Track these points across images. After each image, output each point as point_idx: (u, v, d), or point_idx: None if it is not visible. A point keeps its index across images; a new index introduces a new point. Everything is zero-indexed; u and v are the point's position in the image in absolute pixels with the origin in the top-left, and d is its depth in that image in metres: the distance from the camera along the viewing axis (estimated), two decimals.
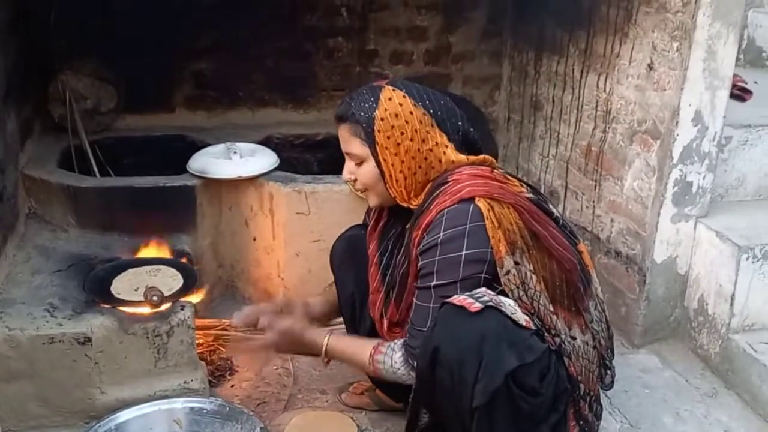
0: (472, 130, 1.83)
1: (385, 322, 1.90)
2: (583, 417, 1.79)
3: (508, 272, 1.66)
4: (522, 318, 1.64)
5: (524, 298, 1.68)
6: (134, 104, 3.20)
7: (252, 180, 2.68)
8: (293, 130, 3.31)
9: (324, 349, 1.90)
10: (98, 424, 2.01)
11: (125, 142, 3.09)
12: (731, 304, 2.39)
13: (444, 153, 1.76)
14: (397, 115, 1.73)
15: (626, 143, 2.61)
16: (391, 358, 1.78)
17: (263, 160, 2.76)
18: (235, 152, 2.74)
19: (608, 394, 2.33)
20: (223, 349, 2.47)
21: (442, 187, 1.72)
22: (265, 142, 3.06)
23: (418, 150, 1.74)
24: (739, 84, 2.99)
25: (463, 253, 1.65)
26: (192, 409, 2.10)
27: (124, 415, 2.05)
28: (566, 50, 2.96)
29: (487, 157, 1.82)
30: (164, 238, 2.53)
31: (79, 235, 2.54)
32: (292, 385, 2.34)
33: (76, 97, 3.00)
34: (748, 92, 3.02)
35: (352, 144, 1.79)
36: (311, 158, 3.30)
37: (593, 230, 2.83)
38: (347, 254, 2.08)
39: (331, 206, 2.61)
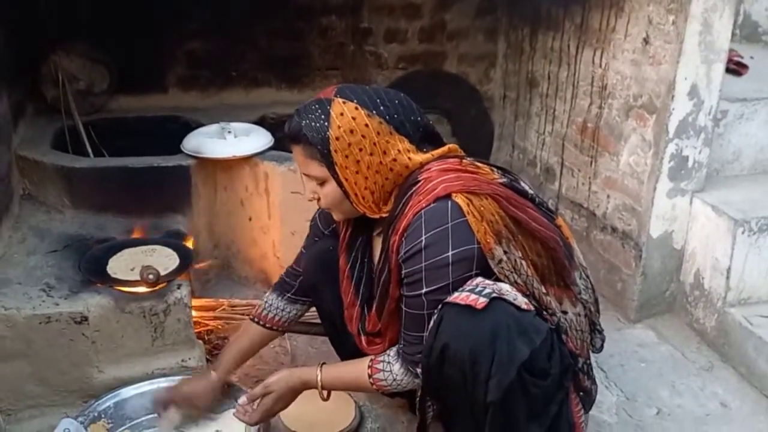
0: (429, 121, 1.74)
1: (363, 338, 1.84)
2: (582, 388, 1.80)
3: (500, 261, 1.60)
4: (522, 301, 1.61)
5: (519, 282, 1.64)
6: (127, 85, 3.18)
7: (247, 160, 2.67)
8: (288, 110, 3.23)
9: (319, 384, 1.81)
10: (96, 403, 2.01)
11: (119, 123, 3.08)
12: (727, 278, 2.40)
13: (409, 159, 1.65)
14: (352, 131, 1.60)
15: (622, 118, 2.60)
16: (391, 372, 1.71)
17: (258, 139, 2.74)
18: (229, 132, 2.72)
19: (605, 368, 2.35)
20: (220, 328, 2.48)
21: (414, 188, 1.63)
22: (260, 123, 3.04)
23: (380, 163, 1.63)
24: (735, 59, 2.98)
25: (450, 254, 1.57)
26: None
27: (122, 394, 2.05)
28: (562, 26, 2.95)
29: (452, 146, 1.74)
30: (159, 218, 2.53)
31: (73, 215, 2.53)
32: (289, 363, 2.34)
33: (68, 78, 2.98)
34: (744, 67, 3.01)
35: (309, 166, 1.67)
36: None
37: (589, 206, 2.83)
38: (318, 273, 1.96)
39: None
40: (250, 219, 2.75)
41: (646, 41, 2.46)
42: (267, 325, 2.03)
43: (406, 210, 1.62)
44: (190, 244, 2.44)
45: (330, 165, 1.62)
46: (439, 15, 3.47)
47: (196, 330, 2.29)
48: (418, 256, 1.60)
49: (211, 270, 2.78)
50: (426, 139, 1.72)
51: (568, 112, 2.94)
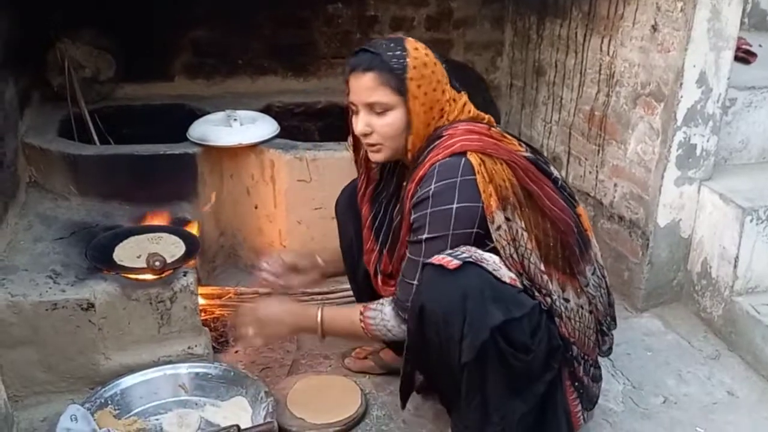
0: (457, 85, 1.82)
1: (380, 276, 1.91)
2: (578, 379, 1.80)
3: (499, 227, 1.65)
4: (506, 275, 1.64)
5: (514, 256, 1.67)
6: (133, 73, 3.18)
7: (253, 148, 2.67)
8: (293, 99, 3.29)
9: (319, 320, 1.87)
10: (103, 389, 2.02)
11: (124, 111, 3.07)
12: (735, 267, 2.39)
13: (453, 102, 1.74)
14: (425, 65, 1.69)
15: (630, 107, 2.59)
16: (381, 312, 1.78)
17: (264, 127, 2.74)
18: (235, 120, 2.72)
19: (611, 357, 2.33)
20: (227, 316, 2.48)
21: (437, 141, 1.70)
22: (265, 111, 3.03)
23: (438, 101, 1.71)
24: (744, 47, 2.96)
25: (454, 206, 1.64)
26: (197, 374, 2.11)
27: (128, 381, 2.06)
28: (569, 13, 2.93)
29: (482, 114, 1.81)
30: (165, 206, 2.53)
31: (80, 203, 2.53)
32: (295, 351, 2.34)
33: (74, 66, 2.98)
34: (753, 55, 2.99)
35: (378, 93, 1.69)
36: (312, 127, 3.28)
37: (596, 195, 2.82)
38: (349, 205, 2.08)
39: (333, 173, 2.59)
40: (256, 207, 2.74)
41: (654, 28, 2.44)
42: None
43: (426, 161, 1.69)
44: (195, 231, 2.44)
45: (404, 92, 1.68)
46: (445, 3, 3.46)
47: (203, 317, 2.29)
48: (425, 202, 1.67)
49: (217, 258, 2.78)
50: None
51: (575, 100, 2.93)
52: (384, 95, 1.69)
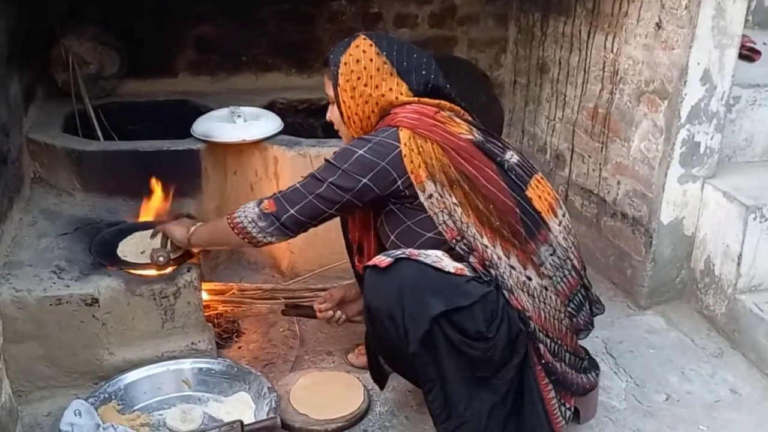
0: (448, 86, 1.90)
1: (356, 256, 2.05)
2: (542, 357, 1.77)
3: (430, 196, 1.76)
4: (450, 265, 1.71)
5: (449, 223, 1.77)
6: (137, 69, 3.18)
7: (256, 144, 2.67)
8: (297, 95, 3.29)
9: (189, 235, 2.02)
10: (107, 384, 2.03)
11: (129, 107, 3.08)
12: (738, 265, 2.39)
13: (396, 98, 1.85)
14: (357, 61, 1.84)
15: (633, 104, 2.59)
16: (245, 208, 1.88)
17: (267, 124, 2.74)
18: (239, 116, 2.72)
19: (614, 354, 2.35)
20: (230, 312, 2.48)
21: (384, 118, 1.86)
22: (269, 107, 3.03)
23: (370, 94, 1.84)
24: (748, 45, 2.96)
25: (358, 152, 1.78)
26: (200, 369, 2.12)
27: (132, 376, 2.07)
28: (573, 10, 2.93)
29: (442, 102, 1.88)
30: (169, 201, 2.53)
31: (84, 198, 2.54)
32: (298, 347, 2.35)
33: (78, 62, 2.98)
34: (757, 53, 2.98)
35: (327, 86, 1.92)
36: (315, 123, 3.27)
37: (599, 193, 2.82)
38: None
39: None
40: None
41: (658, 26, 2.43)
42: None
43: None
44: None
45: (335, 85, 1.87)
46: (449, 0, 3.45)
47: (206, 313, 2.29)
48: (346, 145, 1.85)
49: (220, 254, 2.78)
50: (433, 96, 1.88)
51: (579, 97, 2.92)
52: (328, 88, 1.92)
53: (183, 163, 2.60)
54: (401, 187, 1.78)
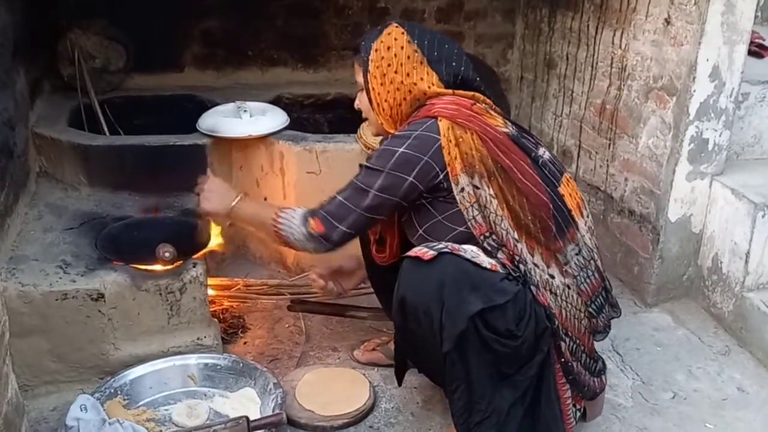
0: (478, 79, 1.89)
1: (374, 246, 2.01)
2: (562, 355, 1.77)
3: (462, 189, 1.73)
4: (486, 261, 1.68)
5: (479, 219, 1.73)
6: (143, 64, 3.18)
7: (262, 139, 2.66)
8: (303, 90, 3.28)
9: (232, 206, 1.97)
10: (113, 379, 2.03)
11: (134, 102, 3.07)
12: (746, 262, 2.37)
13: (429, 88, 1.83)
14: (389, 48, 1.83)
15: (641, 100, 2.57)
16: (292, 216, 1.86)
17: (273, 119, 2.73)
18: (245, 111, 2.71)
19: (621, 352, 2.34)
20: (235, 307, 2.48)
21: (420, 109, 1.84)
22: (275, 102, 3.03)
23: (402, 82, 1.83)
24: (757, 41, 2.94)
25: (400, 150, 1.75)
26: (206, 364, 2.12)
27: (138, 371, 2.07)
28: (581, 6, 2.91)
29: (477, 94, 1.87)
30: (175, 197, 2.53)
31: (90, 193, 2.54)
32: (304, 343, 2.35)
33: (84, 57, 2.98)
34: (766, 49, 2.97)
35: (357, 73, 1.91)
36: (321, 118, 3.27)
37: (606, 189, 2.81)
38: None
39: (342, 165, 2.58)
40: (265, 199, 2.74)
41: (667, 21, 2.42)
42: None
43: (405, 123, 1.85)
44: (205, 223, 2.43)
45: (365, 72, 1.86)
46: None
47: (212, 309, 2.29)
48: (383, 142, 1.83)
49: (226, 250, 2.78)
50: (462, 88, 1.85)
51: (587, 93, 2.91)
52: (358, 75, 1.91)
53: (189, 158, 2.59)
54: (441, 180, 1.75)
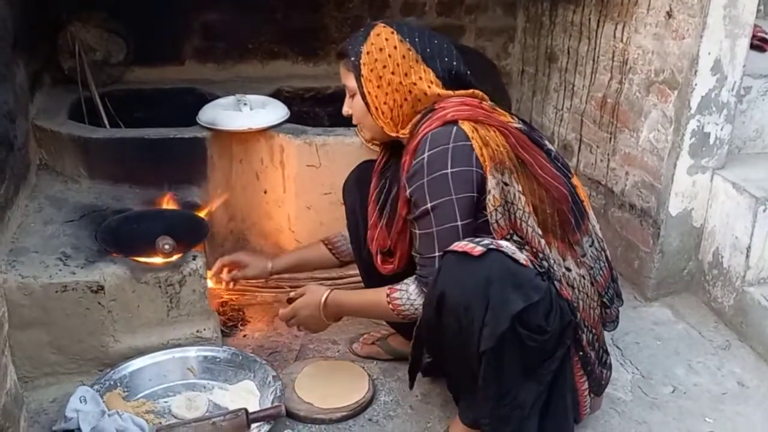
0: (468, 73, 1.85)
1: (379, 256, 1.94)
2: (582, 348, 1.78)
3: (489, 191, 1.69)
4: (522, 257, 1.65)
5: (501, 222, 1.69)
6: (144, 56, 3.17)
7: (262, 132, 2.66)
8: (303, 84, 3.28)
9: (323, 301, 1.90)
10: (112, 371, 2.03)
11: (135, 95, 3.07)
12: (747, 257, 2.37)
13: (429, 87, 1.79)
14: (381, 50, 1.78)
15: (643, 94, 2.56)
16: (407, 292, 1.77)
17: (274, 112, 2.73)
18: (245, 104, 2.71)
19: (620, 346, 2.34)
20: (235, 300, 2.48)
21: (429, 114, 1.77)
22: (275, 96, 3.02)
23: (400, 83, 1.78)
24: (759, 34, 2.92)
25: (449, 171, 1.68)
26: (205, 357, 2.12)
27: (137, 363, 2.07)
28: None
29: (476, 91, 1.85)
30: (175, 190, 2.53)
31: (90, 186, 2.53)
32: (303, 336, 2.34)
33: (85, 49, 2.98)
34: None
35: (347, 78, 1.85)
36: (321, 112, 3.27)
37: (607, 183, 2.80)
38: (355, 182, 2.13)
39: (342, 159, 2.58)
40: (265, 192, 2.74)
41: (669, 15, 2.41)
42: (333, 251, 2.21)
43: (418, 133, 1.76)
44: (205, 215, 2.44)
45: (358, 76, 1.79)
46: None
47: (217, 301, 2.29)
48: (420, 172, 1.71)
49: (225, 242, 2.78)
50: (456, 85, 1.82)
51: (588, 87, 2.90)
52: (348, 80, 1.84)
53: (189, 150, 2.59)
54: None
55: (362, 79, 1.79)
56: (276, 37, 3.34)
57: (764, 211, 2.33)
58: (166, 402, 2.01)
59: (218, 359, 2.12)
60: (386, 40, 1.78)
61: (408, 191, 1.75)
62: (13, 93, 2.34)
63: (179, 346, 2.14)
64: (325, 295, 1.91)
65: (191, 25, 3.25)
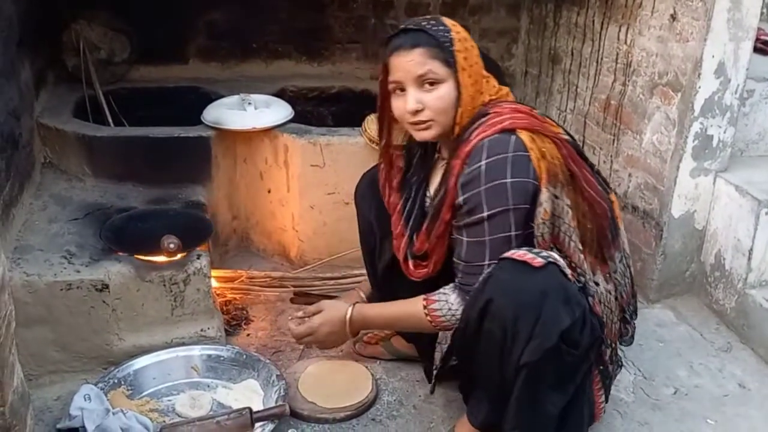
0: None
1: (410, 262, 1.86)
2: (603, 362, 1.80)
3: (540, 204, 1.62)
4: (568, 272, 1.63)
5: (546, 236, 1.65)
6: (148, 55, 3.18)
7: (266, 132, 2.66)
8: (307, 83, 3.29)
9: (349, 318, 1.87)
10: (116, 370, 2.04)
11: (139, 93, 3.08)
12: (749, 259, 2.37)
13: (487, 81, 1.73)
14: (466, 39, 1.70)
15: (646, 96, 2.57)
16: (447, 302, 1.72)
17: (278, 111, 2.73)
18: (249, 103, 2.72)
19: (622, 347, 2.33)
20: (238, 299, 2.49)
21: (483, 119, 1.67)
22: (279, 95, 3.03)
23: (480, 75, 1.71)
24: (763, 38, 2.93)
25: (508, 180, 1.60)
26: (209, 356, 2.13)
27: (141, 361, 2.07)
28: (587, 1, 2.91)
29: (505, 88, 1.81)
30: (179, 188, 2.54)
31: (94, 184, 2.54)
32: None
33: (89, 48, 2.98)
34: None
35: (428, 65, 1.66)
36: (325, 111, 3.28)
37: (610, 185, 2.80)
38: (369, 187, 2.04)
39: (346, 159, 2.60)
40: (269, 191, 2.75)
41: (673, 17, 2.41)
42: None
43: (471, 137, 1.66)
44: (209, 214, 2.44)
45: (452, 64, 1.66)
46: None
47: (221, 300, 2.30)
48: (477, 180, 1.62)
49: (229, 241, 2.79)
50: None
51: (591, 89, 2.91)
52: (436, 67, 1.66)
53: (193, 150, 2.60)
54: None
55: (458, 67, 1.66)
56: (280, 36, 3.35)
57: (766, 213, 2.33)
58: (169, 400, 2.02)
59: (222, 358, 2.12)
60: (465, 30, 1.71)
61: (461, 198, 1.66)
62: (18, 91, 2.35)
63: (183, 344, 2.14)
64: (349, 311, 1.87)
65: (195, 24, 3.26)
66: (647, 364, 2.29)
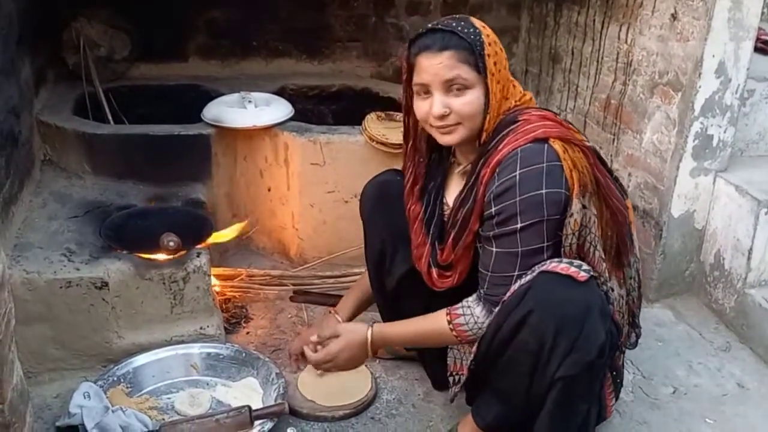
0: None
1: (434, 271, 1.79)
2: (615, 368, 1.80)
3: (572, 215, 1.58)
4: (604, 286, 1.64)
5: (573, 246, 1.61)
6: (148, 53, 3.18)
7: (267, 130, 2.66)
8: (307, 81, 3.28)
9: (370, 340, 1.79)
10: (116, 368, 2.04)
11: (139, 91, 3.07)
12: (748, 259, 2.38)
13: (513, 86, 1.69)
14: (496, 42, 1.64)
15: (646, 96, 2.57)
16: (473, 315, 1.67)
17: (278, 110, 2.73)
18: (249, 101, 2.72)
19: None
20: (238, 298, 2.49)
21: (512, 126, 1.62)
22: (279, 93, 3.03)
23: (508, 80, 1.67)
24: (763, 37, 2.93)
25: (543, 191, 1.55)
26: (209, 354, 2.13)
27: (141, 359, 2.08)
28: (587, 0, 2.90)
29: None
30: (179, 186, 2.54)
31: (94, 182, 2.54)
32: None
33: (89, 45, 2.98)
34: None
35: (458, 69, 1.60)
36: (325, 110, 3.27)
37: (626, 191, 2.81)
38: (379, 200, 1.94)
39: (346, 157, 2.60)
40: (269, 190, 2.75)
41: (674, 17, 2.41)
42: None
43: (501, 146, 1.61)
44: (208, 212, 2.44)
45: (482, 69, 1.60)
46: None
47: (220, 298, 2.30)
48: (511, 191, 1.58)
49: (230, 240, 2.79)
50: None
51: (591, 88, 2.91)
52: (465, 72, 1.60)
53: (193, 147, 2.60)
54: None
55: (488, 72, 1.61)
56: (280, 34, 3.35)
57: (766, 213, 2.34)
58: (169, 398, 2.02)
59: (221, 356, 2.12)
60: (493, 33, 1.65)
61: (494, 208, 1.60)
62: (18, 88, 2.35)
63: (183, 342, 2.14)
64: (369, 333, 1.79)
65: (196, 22, 3.26)
66: (646, 363, 2.29)
